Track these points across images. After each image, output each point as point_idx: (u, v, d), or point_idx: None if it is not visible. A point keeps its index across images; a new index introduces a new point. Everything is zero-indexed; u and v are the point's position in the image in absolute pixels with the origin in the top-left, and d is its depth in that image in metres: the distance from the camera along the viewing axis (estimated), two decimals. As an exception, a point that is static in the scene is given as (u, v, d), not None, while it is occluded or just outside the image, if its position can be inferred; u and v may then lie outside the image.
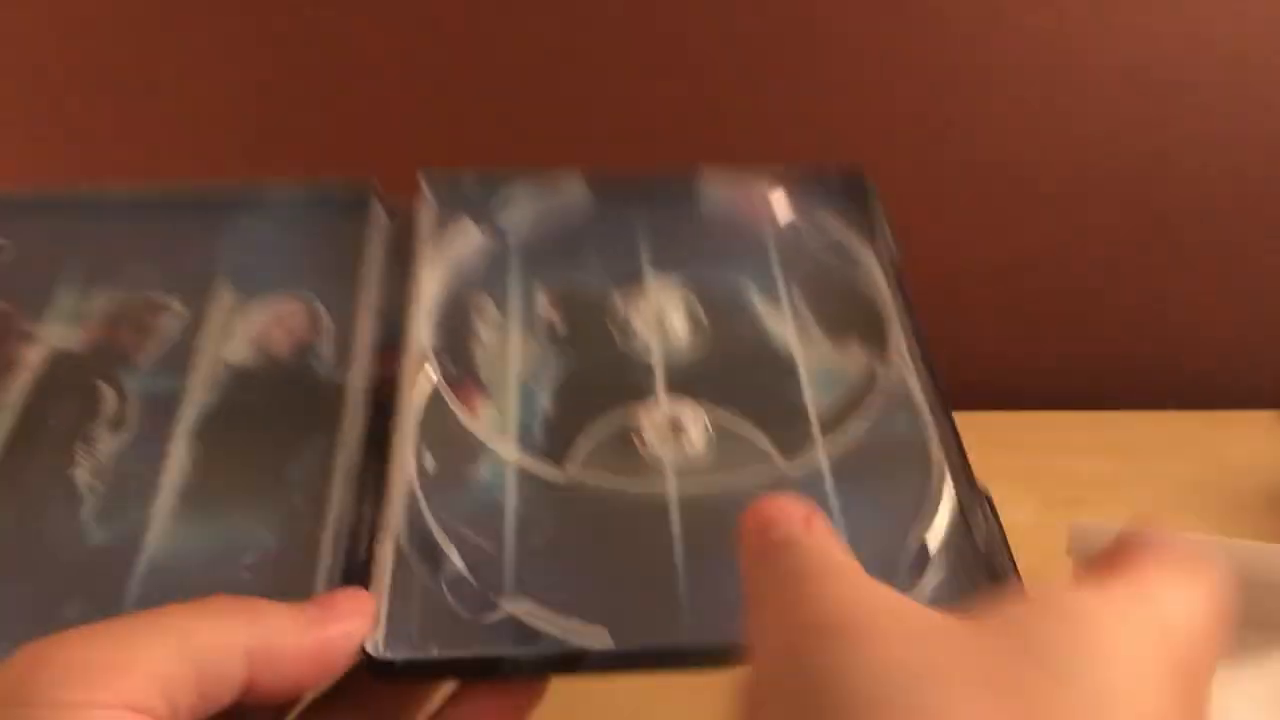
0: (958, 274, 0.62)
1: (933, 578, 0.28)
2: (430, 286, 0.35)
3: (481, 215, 0.38)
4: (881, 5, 0.52)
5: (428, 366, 0.33)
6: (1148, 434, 0.58)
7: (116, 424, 0.32)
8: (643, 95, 0.54)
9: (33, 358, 0.34)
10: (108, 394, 0.33)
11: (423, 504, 0.30)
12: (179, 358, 0.34)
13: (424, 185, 0.38)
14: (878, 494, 0.30)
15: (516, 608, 0.27)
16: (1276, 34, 0.54)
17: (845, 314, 0.35)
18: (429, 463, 0.31)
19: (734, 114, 0.55)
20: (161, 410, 0.33)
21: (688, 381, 0.33)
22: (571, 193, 0.38)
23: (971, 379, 0.68)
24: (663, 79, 0.53)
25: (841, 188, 0.38)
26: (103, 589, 0.28)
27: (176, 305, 0.36)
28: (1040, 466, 0.55)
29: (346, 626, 0.25)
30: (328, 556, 0.29)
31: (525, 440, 0.32)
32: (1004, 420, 0.59)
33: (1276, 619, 0.45)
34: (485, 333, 0.35)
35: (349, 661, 0.25)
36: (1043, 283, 0.63)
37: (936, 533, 0.29)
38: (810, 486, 0.30)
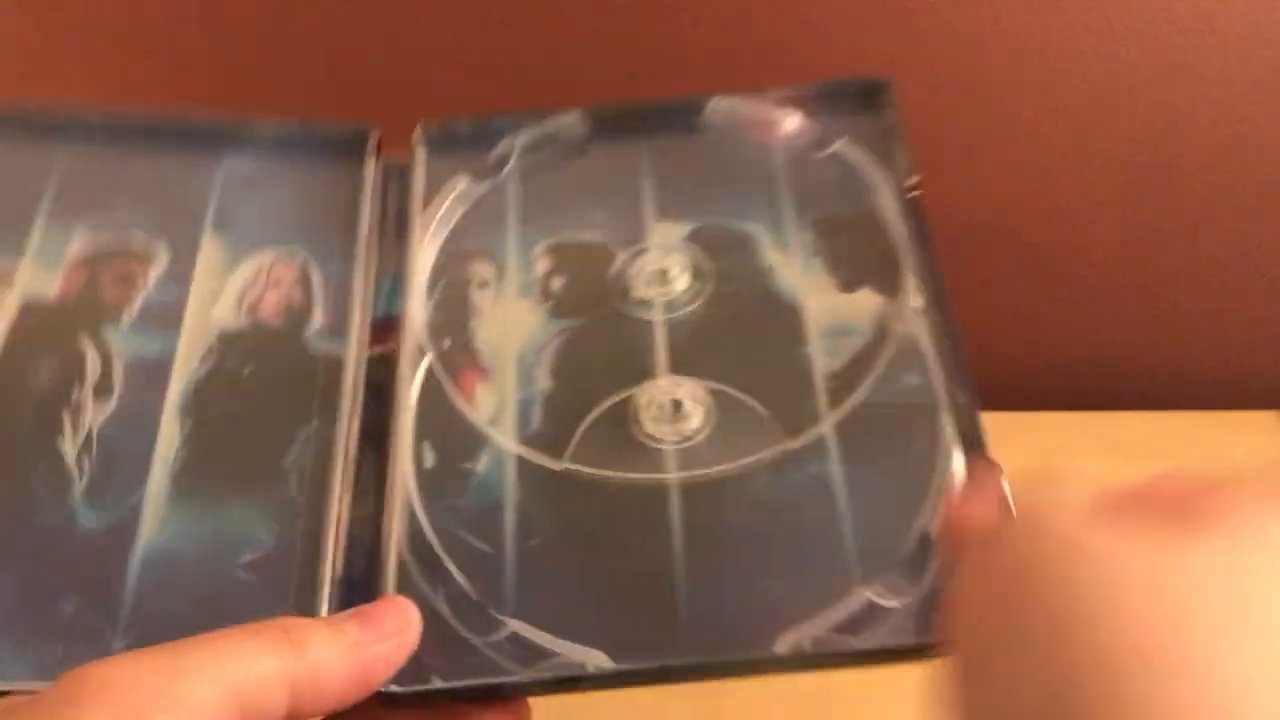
0: (956, 275, 0.62)
1: (938, 559, 0.28)
2: (425, 256, 0.34)
3: (478, 161, 0.37)
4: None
5: (424, 352, 0.32)
6: (1148, 434, 0.57)
7: (102, 390, 0.31)
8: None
9: (7, 303, 0.32)
10: (91, 354, 0.32)
11: (421, 511, 0.29)
12: (166, 317, 0.33)
13: (420, 137, 0.37)
14: (884, 469, 0.29)
15: (517, 625, 0.27)
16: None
17: (857, 255, 0.34)
18: (428, 458, 0.31)
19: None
20: (149, 377, 0.31)
21: (689, 348, 0.32)
22: (571, 129, 0.37)
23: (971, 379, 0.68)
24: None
25: (859, 104, 0.37)
26: (98, 585, 0.28)
27: (162, 255, 0.34)
28: (1040, 467, 0.55)
29: (388, 648, 0.25)
30: (329, 564, 0.28)
31: (524, 426, 0.31)
32: (1004, 420, 0.59)
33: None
34: (481, 301, 0.34)
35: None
36: (1044, 282, 0.63)
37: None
38: (814, 462, 0.30)
